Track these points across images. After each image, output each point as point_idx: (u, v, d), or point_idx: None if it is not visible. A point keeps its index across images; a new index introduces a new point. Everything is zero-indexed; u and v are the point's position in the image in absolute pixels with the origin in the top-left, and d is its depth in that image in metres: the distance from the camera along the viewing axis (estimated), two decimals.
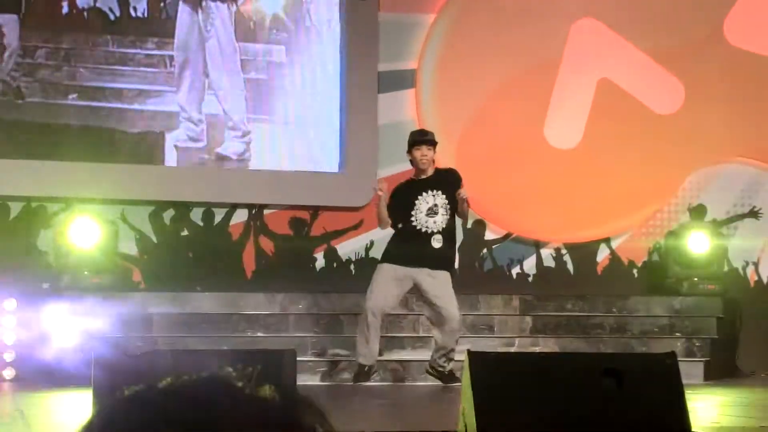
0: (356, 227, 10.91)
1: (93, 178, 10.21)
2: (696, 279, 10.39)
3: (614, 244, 11.41)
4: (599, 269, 11.37)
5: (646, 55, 11.47)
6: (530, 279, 11.24)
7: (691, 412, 3.97)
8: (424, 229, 8.40)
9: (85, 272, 9.41)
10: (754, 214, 11.55)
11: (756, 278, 11.50)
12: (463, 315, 9.70)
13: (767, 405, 7.86)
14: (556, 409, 3.93)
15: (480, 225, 11.18)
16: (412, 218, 8.43)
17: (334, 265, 11.02)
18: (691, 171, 11.50)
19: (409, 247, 8.40)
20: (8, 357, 9.12)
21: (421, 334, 9.59)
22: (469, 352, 4.00)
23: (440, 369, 8.57)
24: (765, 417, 6.99)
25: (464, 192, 8.35)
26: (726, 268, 11.13)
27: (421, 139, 8.62)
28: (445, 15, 11.28)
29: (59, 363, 8.45)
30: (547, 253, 11.31)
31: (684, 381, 4.07)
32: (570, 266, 11.33)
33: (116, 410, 1.22)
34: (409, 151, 8.63)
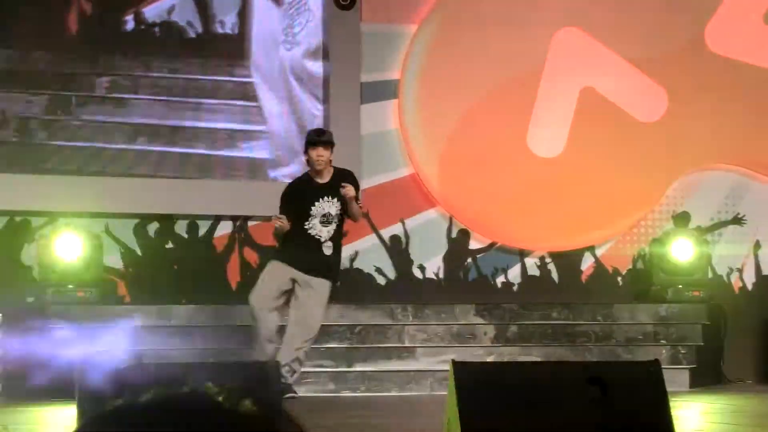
0: None
1: (76, 191, 10.15)
2: (681, 286, 10.39)
3: (599, 252, 11.42)
4: (584, 277, 11.37)
5: (628, 63, 11.50)
6: (515, 288, 11.24)
7: (676, 419, 3.98)
8: (317, 237, 8.38)
9: (70, 286, 9.39)
10: (737, 220, 11.57)
11: (740, 285, 11.52)
12: (448, 325, 9.73)
13: (753, 411, 7.88)
14: (541, 419, 3.93)
15: (464, 235, 11.19)
16: (307, 225, 8.38)
17: None
18: (674, 178, 11.52)
19: (303, 252, 8.32)
20: None
21: (406, 344, 9.59)
22: (454, 362, 4.00)
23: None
24: (750, 423, 7.01)
25: (350, 191, 8.23)
26: (710, 275, 11.15)
27: (317, 139, 8.44)
28: (427, 25, 11.29)
29: (45, 377, 8.42)
30: (531, 262, 11.32)
31: (670, 388, 4.08)
32: (555, 275, 11.33)
33: (98, 425, 1.22)
34: (306, 152, 8.51)
